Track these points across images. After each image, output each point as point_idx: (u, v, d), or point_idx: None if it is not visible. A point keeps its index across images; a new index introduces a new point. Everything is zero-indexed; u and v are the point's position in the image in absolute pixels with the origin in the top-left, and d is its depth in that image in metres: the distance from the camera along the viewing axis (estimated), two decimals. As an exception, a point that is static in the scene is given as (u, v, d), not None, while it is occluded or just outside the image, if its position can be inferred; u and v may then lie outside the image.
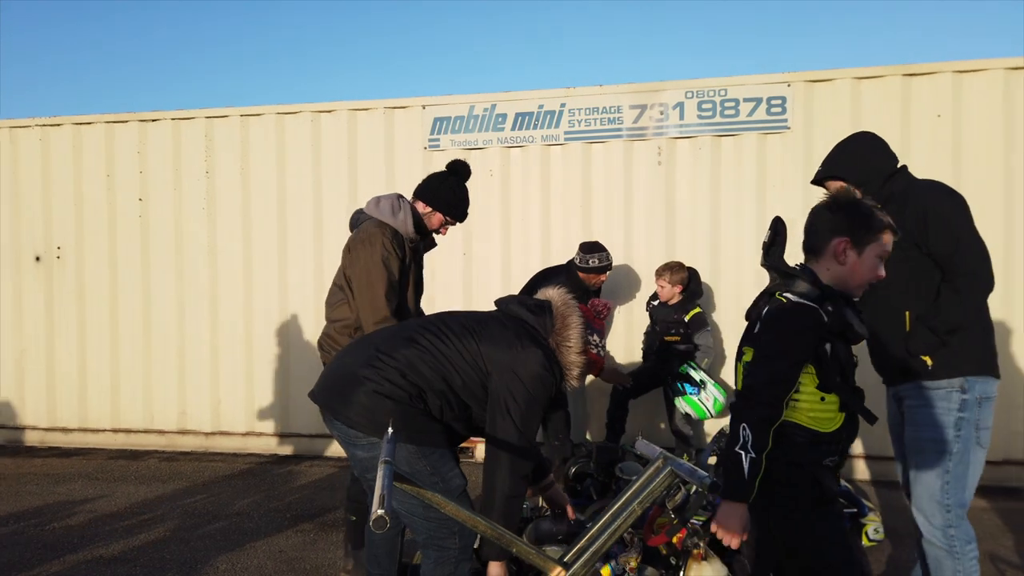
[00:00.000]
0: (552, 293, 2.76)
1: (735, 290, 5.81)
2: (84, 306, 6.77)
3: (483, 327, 2.60)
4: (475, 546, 2.93)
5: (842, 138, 3.17)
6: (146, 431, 6.69)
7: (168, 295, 6.63)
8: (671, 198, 5.90)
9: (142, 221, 6.67)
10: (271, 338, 6.48)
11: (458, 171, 3.62)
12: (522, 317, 2.67)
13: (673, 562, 3.07)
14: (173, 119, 6.64)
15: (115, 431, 6.74)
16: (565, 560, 1.87)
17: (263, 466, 6.07)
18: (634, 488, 2.02)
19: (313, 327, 6.37)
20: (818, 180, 3.18)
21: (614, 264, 5.43)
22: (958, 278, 2.78)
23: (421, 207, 3.61)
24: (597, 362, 2.81)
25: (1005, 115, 5.35)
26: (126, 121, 6.72)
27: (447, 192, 3.60)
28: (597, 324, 2.88)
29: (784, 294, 2.29)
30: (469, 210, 3.74)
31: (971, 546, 2.79)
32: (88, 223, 6.77)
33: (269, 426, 6.49)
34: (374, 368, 2.47)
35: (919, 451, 2.87)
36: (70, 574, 3.76)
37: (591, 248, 5.17)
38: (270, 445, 6.50)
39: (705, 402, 5.03)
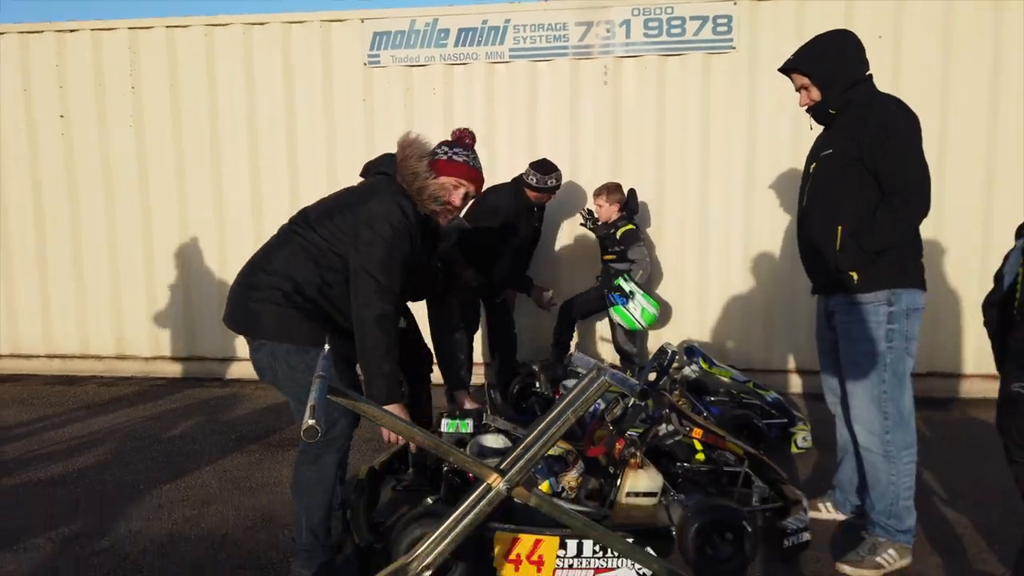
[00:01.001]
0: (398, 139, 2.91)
1: (680, 210, 5.89)
2: (7, 229, 6.46)
3: (342, 198, 2.83)
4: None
5: (816, 35, 3.05)
6: (83, 356, 6.53)
7: (97, 216, 6.36)
8: (617, 117, 5.86)
9: (65, 139, 6.33)
10: (208, 258, 6.32)
11: None
12: (377, 172, 2.87)
13: (611, 471, 3.18)
14: (93, 30, 6.22)
15: (50, 357, 6.56)
16: (501, 467, 1.92)
17: (206, 390, 6.01)
18: (569, 398, 2.06)
19: (251, 244, 6.19)
20: (785, 70, 3.13)
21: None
22: (897, 198, 2.81)
23: None
24: (462, 169, 2.93)
25: (944, 40, 5.43)
26: (41, 31, 6.28)
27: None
28: (468, 142, 3.10)
29: None
30: None
31: (908, 452, 2.94)
32: (6, 140, 6.39)
33: (211, 350, 6.40)
34: (256, 277, 2.73)
35: (854, 364, 2.98)
36: (6, 498, 3.70)
37: (547, 168, 5.10)
38: (212, 369, 6.42)
39: (633, 312, 5.13)
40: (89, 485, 3.88)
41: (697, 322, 5.99)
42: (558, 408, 2.07)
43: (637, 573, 2.79)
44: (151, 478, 3.99)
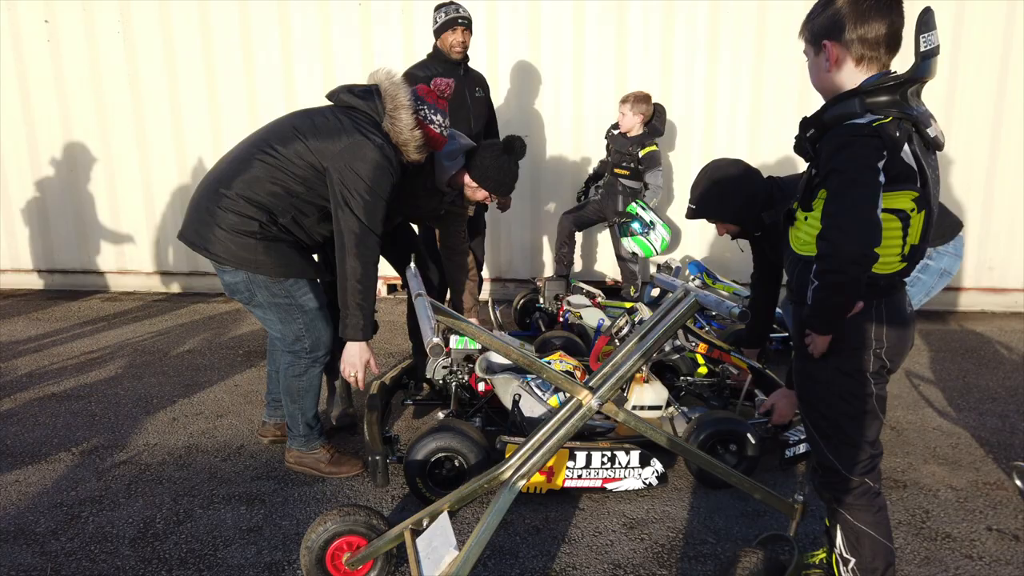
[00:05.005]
0: (380, 75, 2.88)
1: (685, 126, 5.79)
2: (-1, 141, 6.32)
3: (311, 125, 2.78)
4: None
5: (705, 167, 3.27)
6: (84, 272, 6.52)
7: (89, 128, 6.20)
8: (622, 30, 5.68)
9: (51, 46, 6.11)
10: (206, 170, 6.20)
11: (513, 149, 3.44)
12: (352, 105, 2.83)
13: (618, 386, 3.24)
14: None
15: (51, 271, 6.55)
16: (591, 385, 2.01)
17: (211, 305, 6.05)
18: (657, 319, 2.10)
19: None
20: (692, 217, 3.33)
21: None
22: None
23: (467, 180, 3.42)
24: (437, 139, 2.95)
25: None
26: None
27: (496, 172, 3.41)
28: (441, 104, 2.98)
29: None
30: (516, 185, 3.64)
31: None
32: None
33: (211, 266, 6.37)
34: (223, 201, 2.74)
35: None
36: (23, 411, 3.78)
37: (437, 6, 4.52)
38: (216, 284, 6.42)
39: (653, 242, 5.12)
40: (103, 399, 3.96)
41: (699, 236, 5.99)
42: (646, 328, 2.11)
43: (643, 483, 2.90)
44: (163, 392, 4.07)
